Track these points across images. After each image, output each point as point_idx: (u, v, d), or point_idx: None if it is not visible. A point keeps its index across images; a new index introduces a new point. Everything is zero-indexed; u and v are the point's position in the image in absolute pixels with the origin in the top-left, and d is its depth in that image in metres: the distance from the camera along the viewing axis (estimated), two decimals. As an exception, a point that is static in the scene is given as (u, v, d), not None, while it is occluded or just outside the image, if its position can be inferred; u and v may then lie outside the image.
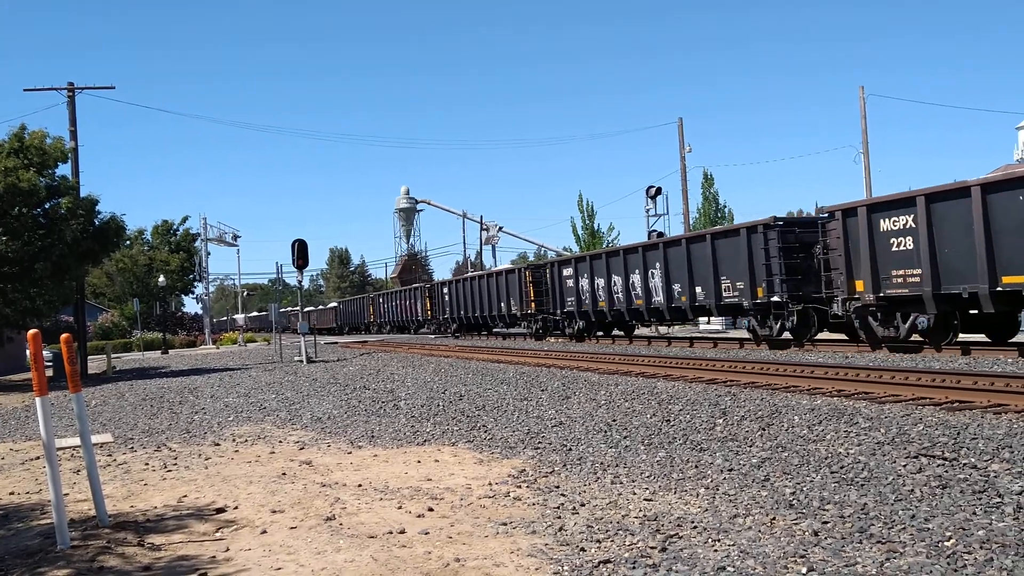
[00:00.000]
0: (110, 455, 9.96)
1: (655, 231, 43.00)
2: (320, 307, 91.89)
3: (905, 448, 7.29)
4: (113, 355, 33.73)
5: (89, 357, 34.60)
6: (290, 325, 70.52)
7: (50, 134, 25.35)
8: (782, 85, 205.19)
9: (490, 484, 7.08)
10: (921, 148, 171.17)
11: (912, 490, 5.92)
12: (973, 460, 6.66)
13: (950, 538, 4.78)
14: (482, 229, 67.33)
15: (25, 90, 30.76)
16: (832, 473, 6.64)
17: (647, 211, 44.10)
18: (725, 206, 49.01)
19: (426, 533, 5.61)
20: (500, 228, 67.79)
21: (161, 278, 54.90)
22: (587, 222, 52.15)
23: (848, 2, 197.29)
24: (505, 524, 5.72)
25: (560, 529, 5.49)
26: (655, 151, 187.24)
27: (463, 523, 5.85)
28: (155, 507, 6.96)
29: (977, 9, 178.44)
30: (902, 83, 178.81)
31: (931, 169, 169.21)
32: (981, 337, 17.31)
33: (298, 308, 35.72)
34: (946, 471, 6.38)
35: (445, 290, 46.22)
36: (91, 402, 16.95)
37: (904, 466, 6.65)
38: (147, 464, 9.17)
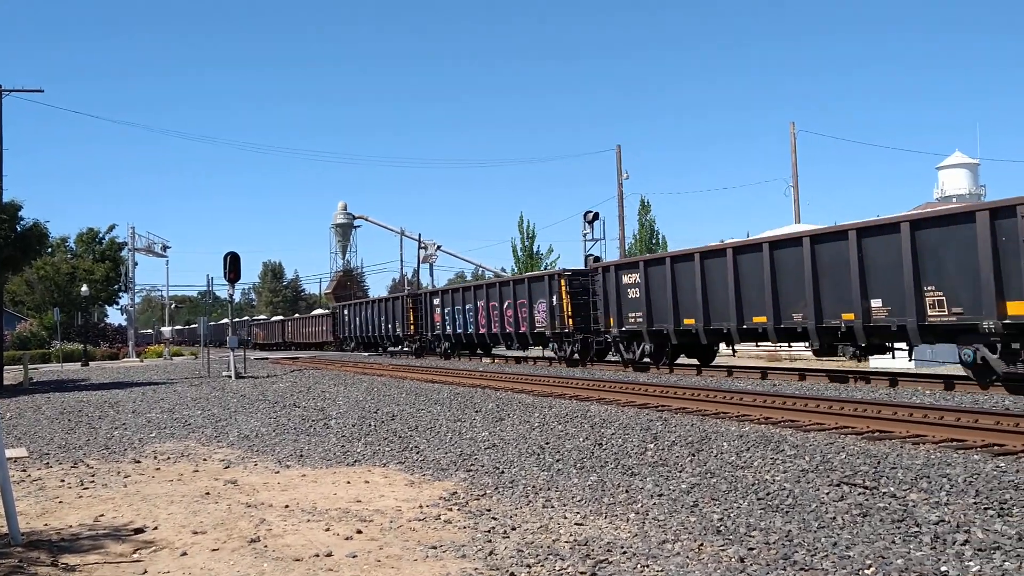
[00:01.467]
0: (24, 470, 9.55)
1: (591, 255, 43.42)
2: (261, 320, 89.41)
3: (828, 476, 7.48)
4: (31, 366, 32.40)
5: (5, 367, 33.16)
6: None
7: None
8: (717, 119, 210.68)
9: (421, 507, 7.01)
10: (849, 183, 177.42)
11: (834, 518, 6.07)
12: (892, 489, 6.86)
13: (870, 566, 4.91)
14: (420, 247, 67.07)
15: (-53, 89, 29.37)
16: (759, 499, 6.76)
17: (584, 235, 44.53)
18: (660, 233, 49.84)
19: (354, 556, 5.52)
20: (439, 247, 67.65)
21: (84, 287, 53.04)
22: (526, 244, 52.45)
23: (784, 41, 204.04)
24: (435, 547, 5.66)
25: (490, 553, 5.46)
26: (595, 177, 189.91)
27: (392, 546, 5.77)
28: (70, 526, 6.69)
29: (905, 52, 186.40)
30: (832, 121, 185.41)
31: (858, 203, 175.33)
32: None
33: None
34: (867, 499, 6.56)
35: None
36: (5, 414, 16.24)
37: (827, 494, 6.81)
38: (63, 481, 8.81)
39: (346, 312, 52.33)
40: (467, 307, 34.19)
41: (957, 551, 5.13)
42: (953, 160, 78.23)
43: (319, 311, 70.71)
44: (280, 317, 65.51)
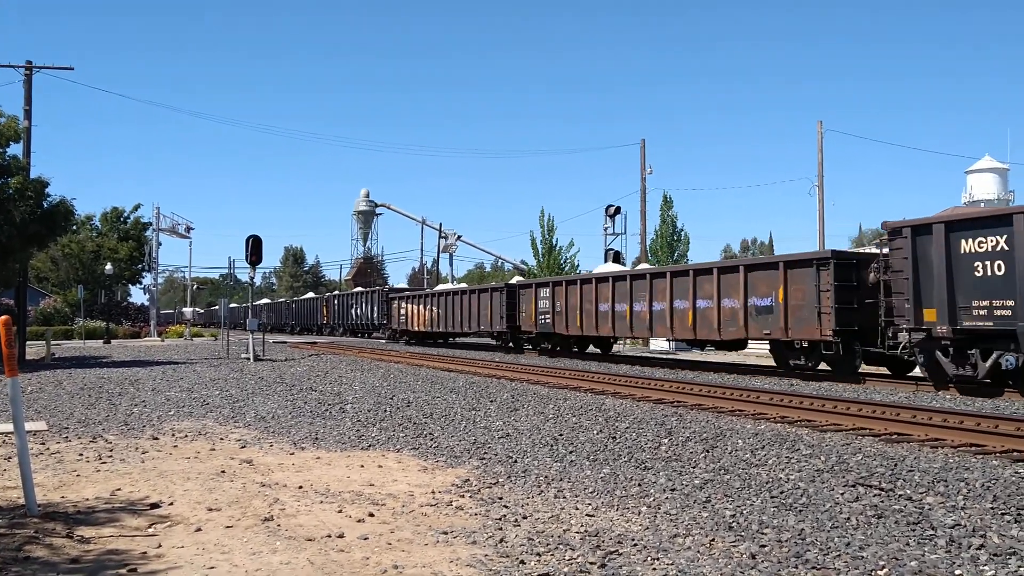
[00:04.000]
0: (43, 443, 9.68)
1: (611, 250, 43.34)
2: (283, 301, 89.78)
3: (844, 476, 7.42)
4: (53, 342, 32.83)
5: (28, 342, 33.64)
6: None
7: (4, 112, 24.69)
8: (744, 118, 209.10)
9: (433, 492, 7.03)
10: (876, 187, 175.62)
11: (848, 518, 6.02)
12: (909, 492, 6.80)
13: (883, 567, 4.87)
14: (440, 236, 67.14)
15: (-21, 65, 29.71)
16: (772, 498, 6.72)
17: (605, 229, 44.42)
18: (682, 230, 49.51)
19: (365, 538, 5.54)
20: (459, 237, 67.68)
21: (108, 266, 53.58)
22: (546, 237, 52.27)
23: (811, 42, 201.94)
24: (446, 533, 5.68)
25: (501, 540, 5.47)
26: (618, 172, 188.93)
27: (403, 530, 5.79)
28: (87, 499, 6.77)
29: (934, 54, 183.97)
30: (859, 124, 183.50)
31: (884, 206, 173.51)
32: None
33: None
34: (882, 501, 6.51)
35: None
36: (27, 388, 16.46)
37: (842, 494, 6.76)
38: (81, 455, 8.92)
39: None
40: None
41: (972, 555, 5.07)
42: (983, 164, 77.18)
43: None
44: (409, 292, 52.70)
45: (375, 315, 49.98)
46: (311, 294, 79.50)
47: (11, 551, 5.18)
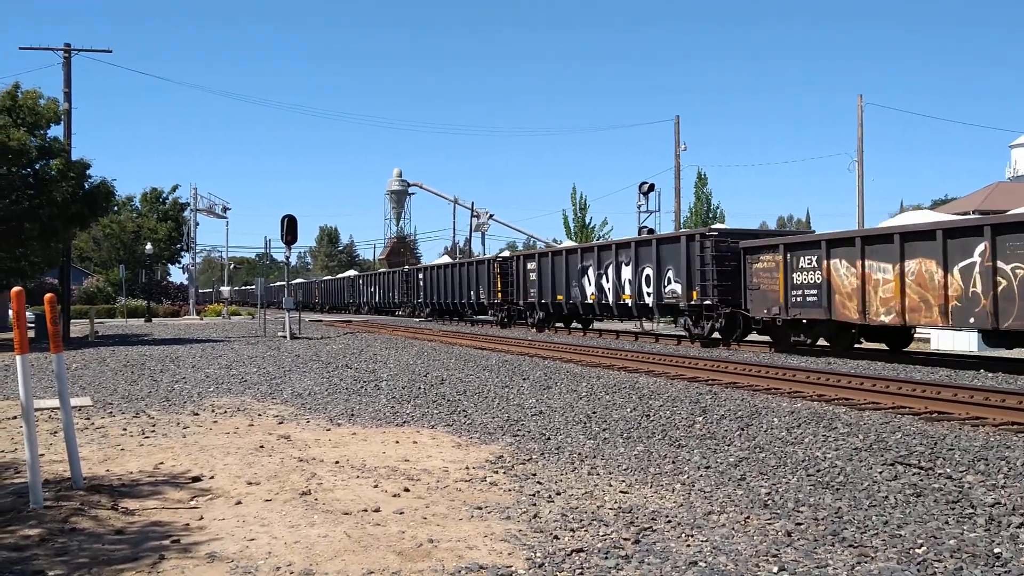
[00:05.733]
0: (88, 419, 9.91)
1: (645, 227, 43.02)
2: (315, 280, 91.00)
3: (882, 455, 7.34)
4: (96, 320, 33.48)
5: (72, 321, 34.31)
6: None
7: (44, 95, 25.09)
8: (779, 93, 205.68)
9: (467, 468, 7.09)
10: (915, 163, 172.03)
11: (887, 497, 5.97)
12: (948, 470, 6.71)
13: (921, 546, 4.82)
14: (472, 216, 67.18)
15: (20, 48, 30.48)
16: (808, 476, 6.68)
17: (639, 207, 44.08)
18: (718, 207, 49.00)
19: (401, 513, 5.61)
20: (491, 216, 67.67)
21: (148, 246, 54.43)
22: (579, 215, 52.09)
23: (852, 18, 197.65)
24: (480, 508, 5.73)
25: (535, 516, 5.50)
26: (651, 148, 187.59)
27: (438, 505, 5.85)
28: (131, 472, 6.93)
29: (976, 27, 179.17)
30: (901, 99, 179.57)
31: (925, 183, 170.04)
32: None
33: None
34: (921, 480, 6.43)
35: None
36: (72, 365, 16.84)
37: (880, 473, 6.69)
38: (125, 430, 9.12)
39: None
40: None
41: (1012, 533, 5.00)
42: (1027, 138, 75.13)
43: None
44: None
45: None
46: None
47: (57, 522, 5.32)
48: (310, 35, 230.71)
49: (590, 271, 27.86)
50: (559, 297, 29.86)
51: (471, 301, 38.75)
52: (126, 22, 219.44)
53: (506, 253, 44.32)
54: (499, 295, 35.04)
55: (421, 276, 46.61)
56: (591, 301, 27.69)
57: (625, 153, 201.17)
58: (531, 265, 32.38)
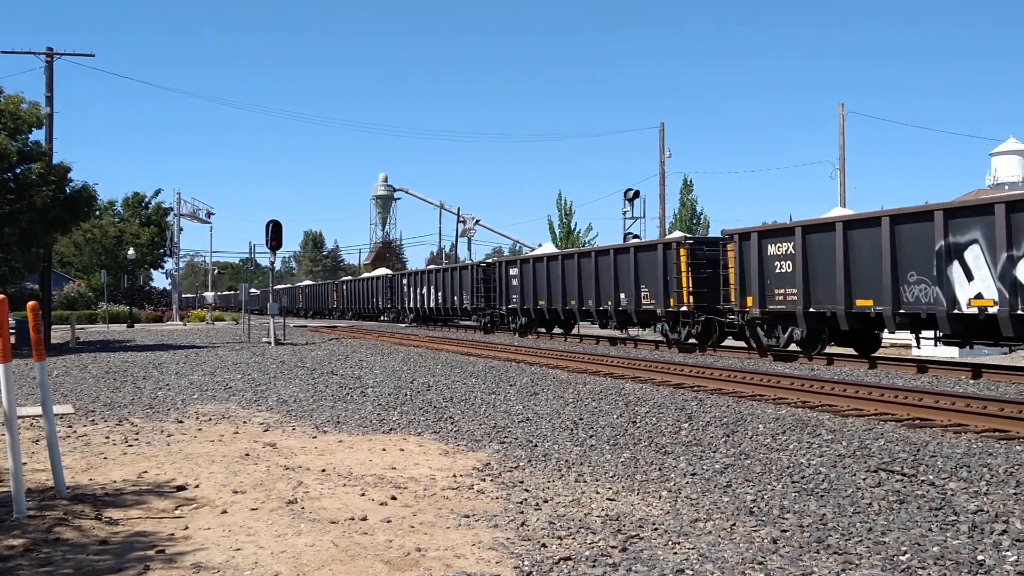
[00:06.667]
0: (71, 427, 9.83)
1: (631, 233, 43.21)
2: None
3: (865, 462, 7.40)
4: (77, 326, 33.22)
5: (53, 327, 34.05)
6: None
7: (26, 99, 24.91)
8: (763, 100, 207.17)
9: (454, 476, 7.08)
10: (898, 170, 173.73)
11: (870, 503, 6.01)
12: (931, 477, 6.77)
13: (905, 553, 4.86)
14: (459, 221, 67.24)
15: (1, 52, 29.95)
16: (793, 483, 6.72)
17: (624, 213, 44.28)
18: (702, 213, 49.32)
19: (388, 521, 5.60)
20: (477, 221, 67.77)
21: (131, 251, 54.05)
22: (564, 220, 52.26)
23: (832, 24, 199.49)
24: (468, 516, 5.72)
25: (522, 524, 5.51)
26: (637, 155, 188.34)
27: (426, 513, 5.85)
28: (114, 481, 6.88)
29: (957, 35, 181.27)
30: (882, 107, 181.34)
31: (907, 189, 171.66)
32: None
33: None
34: (904, 487, 6.49)
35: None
36: (53, 372, 16.69)
37: (864, 479, 6.75)
38: (108, 438, 9.06)
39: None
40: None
41: (995, 540, 5.05)
42: (1007, 147, 76.02)
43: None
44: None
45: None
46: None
47: (41, 532, 5.28)
48: (295, 40, 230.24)
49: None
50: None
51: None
52: (109, 27, 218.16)
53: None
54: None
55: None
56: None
57: (611, 159, 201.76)
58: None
